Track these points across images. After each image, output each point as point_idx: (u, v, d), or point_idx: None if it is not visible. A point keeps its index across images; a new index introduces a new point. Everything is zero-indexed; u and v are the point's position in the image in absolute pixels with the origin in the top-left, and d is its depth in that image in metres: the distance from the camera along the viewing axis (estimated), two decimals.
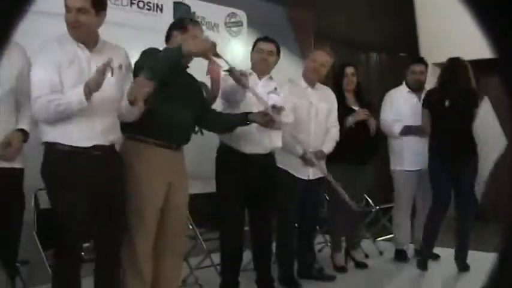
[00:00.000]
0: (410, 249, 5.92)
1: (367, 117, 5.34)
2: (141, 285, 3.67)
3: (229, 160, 4.28)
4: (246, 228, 4.51)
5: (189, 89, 3.88)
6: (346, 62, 5.66)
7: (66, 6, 3.24)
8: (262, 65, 4.41)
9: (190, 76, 3.95)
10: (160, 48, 3.68)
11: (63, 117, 3.22)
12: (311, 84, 4.94)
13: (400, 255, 5.83)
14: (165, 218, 3.71)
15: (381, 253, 5.97)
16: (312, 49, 6.53)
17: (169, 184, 3.70)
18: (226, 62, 3.78)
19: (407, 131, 5.70)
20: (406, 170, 5.72)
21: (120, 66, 3.37)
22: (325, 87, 5.12)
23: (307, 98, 4.88)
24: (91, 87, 3.12)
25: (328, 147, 4.94)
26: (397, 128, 5.73)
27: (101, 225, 3.43)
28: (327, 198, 5.65)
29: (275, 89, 4.45)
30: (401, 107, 5.76)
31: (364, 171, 5.58)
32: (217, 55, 3.64)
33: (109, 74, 3.13)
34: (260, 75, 4.45)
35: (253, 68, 4.47)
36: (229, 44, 6.07)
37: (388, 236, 6.33)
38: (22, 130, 3.41)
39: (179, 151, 3.81)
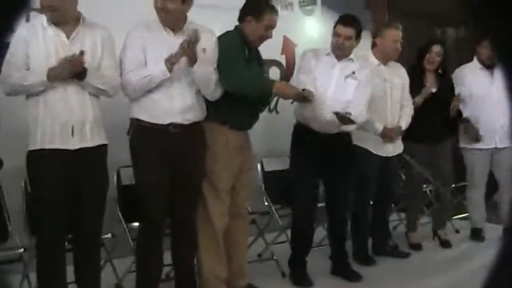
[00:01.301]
0: (487, 228, 5.81)
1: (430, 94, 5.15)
2: (217, 256, 3.89)
3: (302, 137, 4.32)
4: (322, 204, 4.56)
5: (257, 69, 4.02)
6: (435, 39, 5.54)
7: None
8: (338, 51, 4.28)
9: (259, 56, 4.05)
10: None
11: (146, 90, 3.45)
12: (383, 61, 4.90)
13: (476, 235, 5.73)
14: (234, 193, 3.94)
15: (457, 231, 5.90)
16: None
17: (241, 163, 3.89)
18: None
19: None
20: (477, 149, 5.55)
21: (204, 50, 3.49)
22: (397, 63, 5.04)
23: (381, 76, 4.85)
24: (172, 60, 3.34)
25: (404, 122, 4.91)
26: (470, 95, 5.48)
27: (178, 200, 3.61)
28: (403, 176, 5.64)
29: (353, 72, 4.30)
30: (473, 84, 5.50)
31: (442, 151, 5.39)
32: (307, 100, 3.85)
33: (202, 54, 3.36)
34: (338, 58, 4.32)
35: (332, 50, 4.31)
36: (304, 22, 6.07)
37: (464, 215, 6.24)
38: None
39: (247, 132, 3.99)
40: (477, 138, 5.43)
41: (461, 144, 5.65)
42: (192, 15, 3.61)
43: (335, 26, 4.28)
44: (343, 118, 4.02)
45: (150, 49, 3.49)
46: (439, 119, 5.23)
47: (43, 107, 3.24)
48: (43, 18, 3.30)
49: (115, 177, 4.13)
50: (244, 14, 3.90)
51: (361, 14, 6.54)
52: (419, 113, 4.99)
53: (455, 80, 5.56)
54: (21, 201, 3.80)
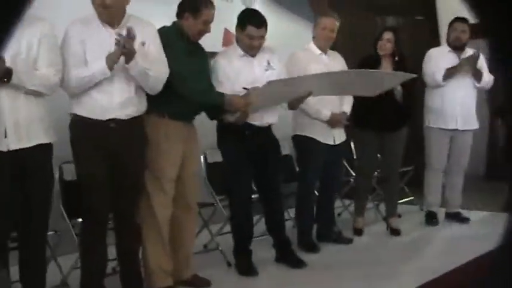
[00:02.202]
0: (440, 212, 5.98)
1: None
2: (162, 248, 3.91)
3: (238, 131, 4.35)
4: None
5: (200, 61, 4.06)
6: (388, 27, 5.65)
7: None
8: (252, 51, 4.33)
9: (201, 48, 4.08)
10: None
11: (86, 88, 3.45)
12: (324, 50, 4.99)
13: (431, 218, 5.84)
14: (181, 184, 3.95)
15: (399, 216, 6.04)
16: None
17: (183, 154, 3.91)
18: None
19: (450, 73, 5.54)
20: (440, 128, 5.70)
21: (143, 44, 3.49)
22: (334, 52, 5.15)
23: (322, 64, 4.93)
24: (112, 58, 3.34)
25: (348, 108, 5.03)
26: (438, 75, 5.58)
27: (119, 194, 3.62)
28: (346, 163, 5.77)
29: (268, 63, 4.40)
30: (441, 65, 5.60)
31: (394, 139, 5.44)
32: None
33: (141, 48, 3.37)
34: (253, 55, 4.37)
35: (244, 49, 4.33)
36: None
37: (405, 199, 6.41)
38: None
39: (191, 123, 4.02)
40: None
41: (426, 124, 5.77)
42: (132, 8, 3.60)
43: (244, 25, 4.28)
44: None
45: (89, 45, 3.47)
46: (393, 107, 5.25)
47: None
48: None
49: (57, 173, 4.10)
50: (181, 10, 3.92)
51: (300, 4, 6.67)
52: (373, 101, 4.99)
53: (424, 61, 5.71)
54: None
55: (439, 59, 5.67)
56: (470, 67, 5.51)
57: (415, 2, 8.26)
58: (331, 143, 4.98)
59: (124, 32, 3.30)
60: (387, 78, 5.02)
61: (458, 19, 5.62)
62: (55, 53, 3.43)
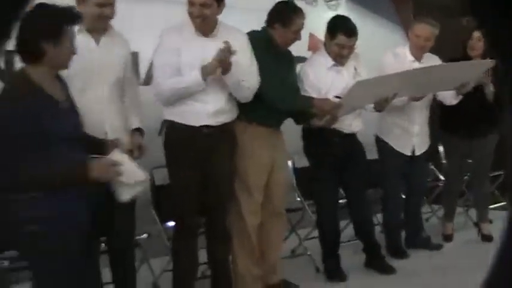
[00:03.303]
0: None
1: (484, 84, 4.85)
2: (251, 253, 3.93)
3: (326, 137, 4.32)
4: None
5: (288, 68, 4.08)
6: (476, 26, 5.42)
7: (190, 1, 3.47)
8: (342, 59, 4.29)
9: (289, 54, 4.09)
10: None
11: (182, 98, 3.52)
12: (417, 57, 4.82)
13: None
14: (269, 190, 3.96)
15: (490, 222, 5.85)
16: (411, 17, 6.47)
17: (271, 160, 3.93)
18: None
19: None
20: None
21: (235, 52, 3.52)
22: (433, 57, 4.91)
23: None
24: (208, 71, 3.38)
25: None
26: None
27: (210, 199, 3.67)
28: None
29: (355, 69, 4.36)
30: None
31: (485, 143, 5.20)
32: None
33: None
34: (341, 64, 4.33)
35: (333, 57, 4.29)
36: (328, 17, 6.07)
37: (497, 204, 6.20)
38: (138, 129, 3.56)
39: (279, 129, 4.04)
40: None
41: None
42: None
43: (336, 37, 4.21)
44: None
45: (184, 54, 3.52)
46: (484, 109, 4.99)
47: None
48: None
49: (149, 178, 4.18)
50: (271, 20, 3.93)
51: (385, 6, 6.59)
52: (462, 103, 4.81)
53: None
54: None
55: None
56: None
57: None
58: (408, 153, 4.88)
59: (222, 45, 3.34)
60: (473, 68, 4.79)
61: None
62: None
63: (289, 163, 4.76)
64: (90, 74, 3.24)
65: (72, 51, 2.67)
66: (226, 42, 3.34)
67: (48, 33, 2.53)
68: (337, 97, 4.12)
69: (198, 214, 3.72)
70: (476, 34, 5.07)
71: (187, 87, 3.48)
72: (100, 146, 2.83)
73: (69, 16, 2.60)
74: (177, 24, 3.64)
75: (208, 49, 3.42)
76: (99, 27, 3.32)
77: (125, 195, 2.70)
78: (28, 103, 2.47)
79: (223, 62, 3.38)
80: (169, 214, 3.93)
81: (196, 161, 3.57)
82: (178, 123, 3.59)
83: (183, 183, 3.60)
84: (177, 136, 3.60)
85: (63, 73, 2.74)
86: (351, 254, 4.68)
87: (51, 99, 2.56)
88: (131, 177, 2.67)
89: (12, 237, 2.59)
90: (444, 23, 6.68)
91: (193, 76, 3.45)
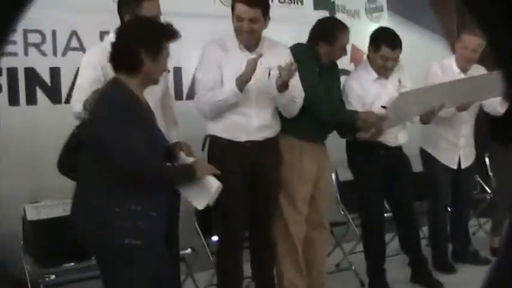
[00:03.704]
0: None
1: None
2: (296, 266, 3.91)
3: (370, 149, 4.27)
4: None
5: (333, 81, 4.07)
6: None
7: (238, 16, 3.47)
8: (386, 72, 4.24)
9: (334, 67, 4.07)
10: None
11: (222, 111, 3.50)
12: (464, 69, 4.72)
13: None
14: (314, 203, 3.95)
15: None
16: (455, 27, 6.39)
17: (316, 173, 3.92)
18: None
19: None
20: None
21: (269, 70, 3.53)
22: (479, 68, 4.76)
23: None
24: (242, 78, 3.37)
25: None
26: None
27: (255, 212, 3.67)
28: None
29: (399, 81, 4.31)
30: None
31: None
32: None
33: (266, 74, 3.41)
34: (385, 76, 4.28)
35: (377, 70, 4.24)
36: (371, 30, 6.05)
37: None
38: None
39: (323, 142, 4.02)
40: None
41: None
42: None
43: (380, 49, 4.17)
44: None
45: (227, 68, 3.52)
46: None
47: None
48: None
49: None
50: (315, 37, 3.92)
51: (428, 17, 6.52)
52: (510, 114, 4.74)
53: None
54: None
55: None
56: None
57: None
58: (454, 167, 4.79)
59: (283, 62, 3.35)
60: None
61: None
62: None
63: (333, 176, 4.73)
64: None
65: (165, 68, 2.73)
66: (291, 63, 3.33)
67: (149, 47, 2.57)
68: (383, 107, 4.08)
69: (242, 228, 3.71)
70: None
71: (225, 99, 3.46)
72: (168, 150, 2.87)
73: (169, 33, 2.64)
74: (219, 38, 3.63)
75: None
76: None
77: (202, 202, 2.76)
78: (139, 110, 2.58)
79: (283, 80, 3.36)
80: (214, 228, 3.93)
81: (241, 175, 3.56)
82: (221, 137, 3.59)
83: (227, 197, 3.58)
84: (221, 150, 3.60)
85: None
86: (396, 269, 4.61)
87: (148, 108, 2.69)
88: (207, 184, 2.73)
89: (106, 247, 2.59)
90: None
91: (229, 88, 3.43)
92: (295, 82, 3.53)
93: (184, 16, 4.32)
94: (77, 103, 3.10)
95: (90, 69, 3.22)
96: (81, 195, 2.64)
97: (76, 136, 2.83)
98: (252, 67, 3.34)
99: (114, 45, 2.60)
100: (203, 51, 3.63)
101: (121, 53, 2.58)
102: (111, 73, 2.76)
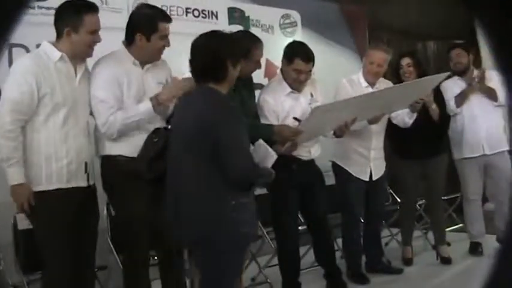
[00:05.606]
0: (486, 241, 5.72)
1: (428, 103, 4.94)
2: None
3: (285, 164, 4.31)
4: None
5: (247, 96, 4.13)
6: (403, 53, 5.47)
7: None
8: (299, 85, 4.31)
9: (249, 82, 4.14)
10: None
11: (130, 131, 3.42)
12: (371, 83, 4.83)
13: (475, 249, 5.56)
14: None
15: (448, 244, 5.90)
16: (367, 44, 6.56)
17: None
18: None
19: (462, 97, 5.37)
20: (465, 158, 5.47)
21: (167, 81, 3.54)
22: (385, 80, 4.96)
23: None
24: (160, 99, 3.39)
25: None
26: (452, 103, 5.38)
27: (160, 230, 3.55)
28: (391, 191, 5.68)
29: (311, 96, 4.39)
30: (452, 93, 5.40)
31: (436, 166, 5.31)
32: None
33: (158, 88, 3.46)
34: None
35: (290, 83, 4.31)
36: (285, 45, 6.13)
37: (454, 227, 6.26)
38: None
39: None
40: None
41: (454, 156, 5.60)
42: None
43: (292, 59, 4.23)
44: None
45: (124, 85, 3.44)
46: (432, 130, 5.13)
47: None
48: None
49: (105, 210, 4.12)
50: None
51: (341, 33, 6.68)
52: (411, 127, 4.91)
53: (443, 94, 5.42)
54: None
55: (450, 88, 5.43)
56: (479, 87, 5.33)
57: (454, 26, 8.16)
58: (366, 179, 4.87)
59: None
60: (424, 84, 4.78)
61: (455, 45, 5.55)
62: None
63: None
64: (75, 104, 3.29)
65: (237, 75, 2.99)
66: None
67: (234, 56, 2.89)
68: (295, 118, 4.12)
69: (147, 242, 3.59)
70: (405, 61, 5.15)
71: (139, 120, 3.43)
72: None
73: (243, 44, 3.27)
74: (111, 52, 3.51)
75: (144, 80, 3.46)
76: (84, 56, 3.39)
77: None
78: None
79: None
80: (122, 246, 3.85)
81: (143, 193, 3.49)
82: (123, 156, 3.50)
83: (127, 215, 3.52)
84: (121, 170, 3.50)
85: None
86: (312, 281, 4.66)
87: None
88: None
89: (222, 238, 2.80)
90: (402, 47, 6.85)
91: (144, 108, 3.44)
92: None
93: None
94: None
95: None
96: (187, 196, 2.83)
97: (157, 145, 3.21)
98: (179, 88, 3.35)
99: (198, 58, 2.86)
100: (98, 65, 3.46)
101: (212, 63, 2.83)
102: (48, 82, 3.10)
